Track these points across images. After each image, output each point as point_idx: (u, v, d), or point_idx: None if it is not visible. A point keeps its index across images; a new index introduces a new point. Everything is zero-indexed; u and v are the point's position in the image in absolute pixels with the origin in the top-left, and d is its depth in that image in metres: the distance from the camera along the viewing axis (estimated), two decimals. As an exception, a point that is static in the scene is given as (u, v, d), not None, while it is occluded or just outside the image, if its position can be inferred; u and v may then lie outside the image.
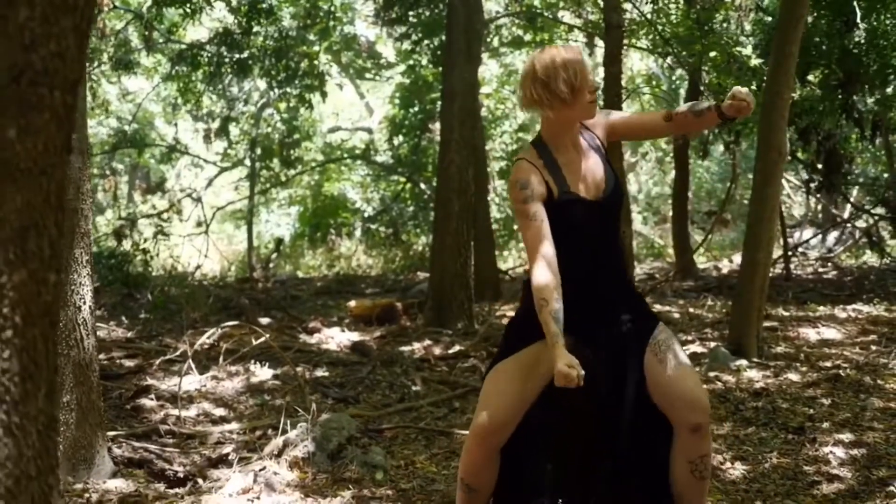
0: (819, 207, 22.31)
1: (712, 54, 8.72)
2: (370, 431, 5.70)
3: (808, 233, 20.17)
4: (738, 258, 20.47)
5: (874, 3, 10.96)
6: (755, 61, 7.91)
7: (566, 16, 14.88)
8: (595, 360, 3.36)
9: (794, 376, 6.98)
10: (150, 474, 4.87)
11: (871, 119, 13.12)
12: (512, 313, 10.55)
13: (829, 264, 17.40)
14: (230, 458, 5.21)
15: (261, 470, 4.66)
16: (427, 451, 5.43)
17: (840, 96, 11.74)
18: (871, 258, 19.32)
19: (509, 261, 17.88)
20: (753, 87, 8.27)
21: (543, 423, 3.51)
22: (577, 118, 3.50)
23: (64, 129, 1.75)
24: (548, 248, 3.32)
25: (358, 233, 20.49)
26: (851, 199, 18.29)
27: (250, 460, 5.06)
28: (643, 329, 3.51)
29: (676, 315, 10.45)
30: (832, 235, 19.56)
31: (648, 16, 8.73)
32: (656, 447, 3.51)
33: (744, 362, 7.33)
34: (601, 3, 9.88)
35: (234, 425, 6.08)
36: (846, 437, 5.28)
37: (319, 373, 7.39)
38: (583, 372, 3.10)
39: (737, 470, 4.87)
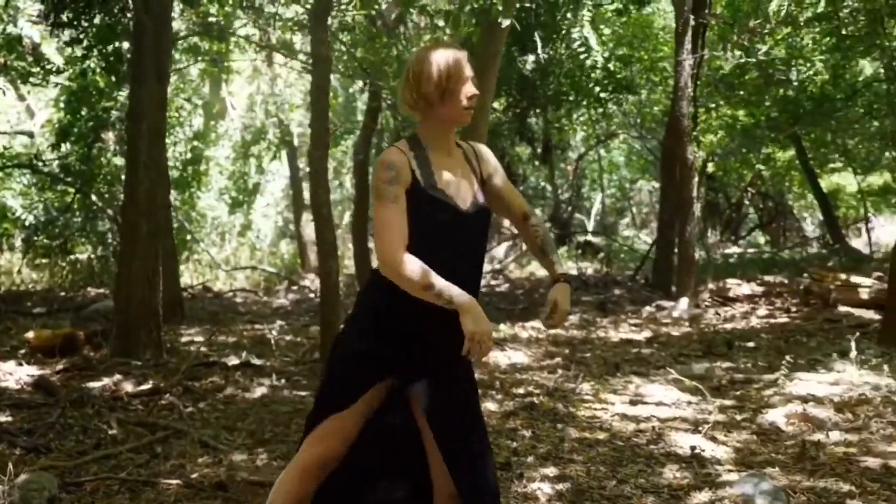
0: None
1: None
2: (69, 486, 5.29)
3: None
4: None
5: (550, 33, 11.51)
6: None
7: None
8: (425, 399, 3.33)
9: (492, 406, 7.17)
10: None
11: (542, 139, 13.86)
12: (199, 337, 10.29)
13: (501, 276, 18.11)
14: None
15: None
16: (132, 505, 5.12)
17: (517, 119, 12.24)
18: (538, 269, 20.33)
19: (185, 275, 17.33)
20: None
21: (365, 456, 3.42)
22: (449, 122, 3.36)
23: None
24: (404, 233, 3.21)
25: (18, 244, 19.17)
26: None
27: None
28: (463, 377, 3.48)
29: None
30: (503, 247, 20.39)
31: (345, 47, 8.74)
32: None
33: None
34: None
35: None
36: (551, 471, 5.45)
37: (2, 418, 6.79)
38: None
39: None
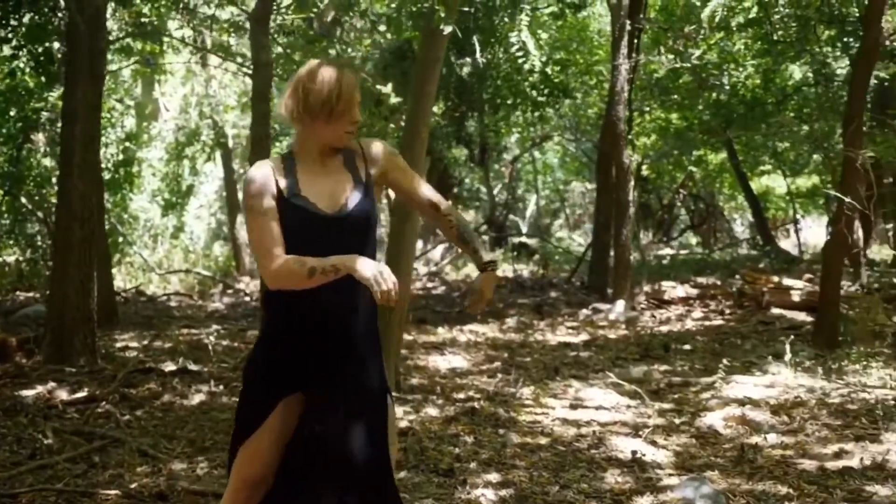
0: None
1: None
2: (3, 498, 5.18)
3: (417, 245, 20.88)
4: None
5: (488, 37, 11.54)
6: (394, 99, 8.05)
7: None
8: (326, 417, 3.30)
9: (433, 411, 7.17)
10: None
11: (479, 142, 13.91)
12: (134, 342, 10.15)
13: (437, 279, 18.12)
14: None
15: None
16: (70, 516, 5.03)
17: (455, 123, 12.27)
18: (475, 271, 20.37)
19: (118, 279, 17.07)
20: (393, 127, 8.45)
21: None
22: (327, 141, 3.35)
23: None
24: (279, 242, 3.21)
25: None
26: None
27: None
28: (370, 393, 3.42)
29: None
30: (439, 249, 20.39)
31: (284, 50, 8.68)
32: None
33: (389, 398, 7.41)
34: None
35: None
36: (494, 477, 5.46)
37: (-65, 428, 6.63)
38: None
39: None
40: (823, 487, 5.17)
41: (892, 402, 6.94)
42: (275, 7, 9.02)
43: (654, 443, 6.22)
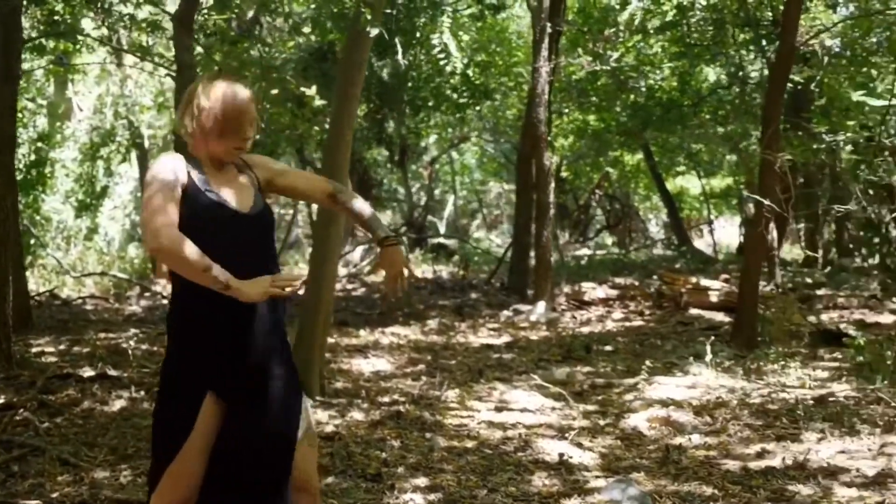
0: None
1: (274, 92, 8.72)
2: (-84, 510, 5.04)
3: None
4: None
5: (410, 39, 11.53)
6: (318, 101, 8.00)
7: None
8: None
9: (358, 415, 7.13)
10: None
11: (399, 144, 13.88)
12: (50, 347, 9.92)
13: (357, 280, 18.04)
14: None
15: None
16: (-11, 528, 4.90)
17: (376, 124, 12.24)
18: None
19: (31, 282, 16.70)
20: (318, 129, 8.39)
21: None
22: (217, 156, 3.36)
23: None
24: (174, 222, 3.13)
25: None
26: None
27: None
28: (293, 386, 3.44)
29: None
30: (358, 250, 20.31)
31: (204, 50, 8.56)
32: None
33: (308, 402, 7.35)
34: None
35: None
36: (422, 481, 5.44)
37: None
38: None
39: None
40: (747, 487, 5.25)
41: (811, 402, 7.08)
42: (198, 8, 8.92)
43: (579, 445, 6.26)
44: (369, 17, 6.75)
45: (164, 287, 17.09)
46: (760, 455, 5.90)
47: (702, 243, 28.76)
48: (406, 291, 3.46)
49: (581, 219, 31.12)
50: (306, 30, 9.06)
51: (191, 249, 3.09)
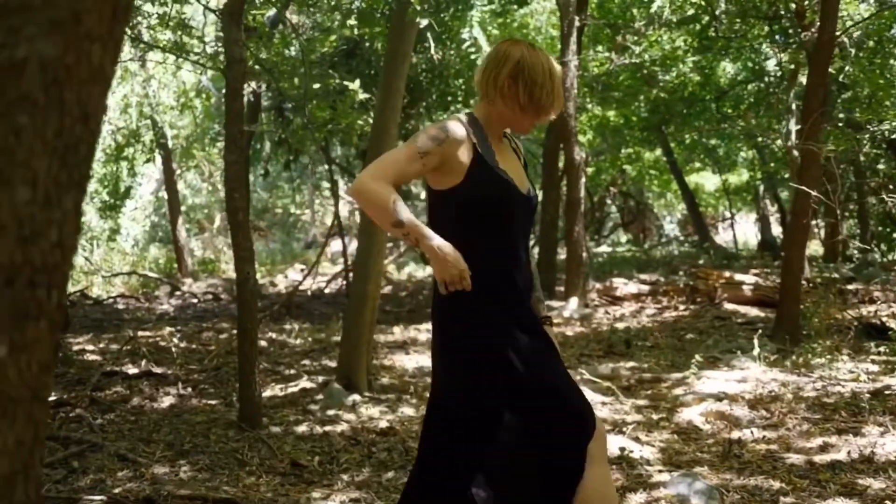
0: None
1: (316, 86, 8.67)
2: (-15, 507, 4.99)
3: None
4: (293, 274, 20.68)
5: (441, 35, 11.48)
6: (362, 95, 7.95)
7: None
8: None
9: (409, 410, 7.10)
10: None
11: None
12: (90, 346, 9.89)
13: (382, 279, 17.99)
14: None
15: None
16: (60, 526, 4.86)
17: (405, 120, 12.19)
18: (416, 271, 20.31)
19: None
20: (361, 122, 8.33)
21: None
22: (514, 125, 3.29)
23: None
24: (400, 177, 3.07)
25: None
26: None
27: None
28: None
29: (263, 343, 10.21)
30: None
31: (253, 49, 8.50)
32: None
33: (357, 398, 7.33)
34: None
35: None
36: (482, 475, 5.39)
37: None
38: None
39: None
40: (815, 481, 5.18)
41: (867, 396, 7.00)
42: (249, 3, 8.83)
43: (637, 439, 6.20)
44: (418, 7, 6.70)
45: (189, 286, 17.09)
46: (824, 448, 5.83)
47: (719, 240, 28.64)
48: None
49: (596, 216, 31.08)
50: (351, 22, 8.98)
51: (390, 198, 2.97)
